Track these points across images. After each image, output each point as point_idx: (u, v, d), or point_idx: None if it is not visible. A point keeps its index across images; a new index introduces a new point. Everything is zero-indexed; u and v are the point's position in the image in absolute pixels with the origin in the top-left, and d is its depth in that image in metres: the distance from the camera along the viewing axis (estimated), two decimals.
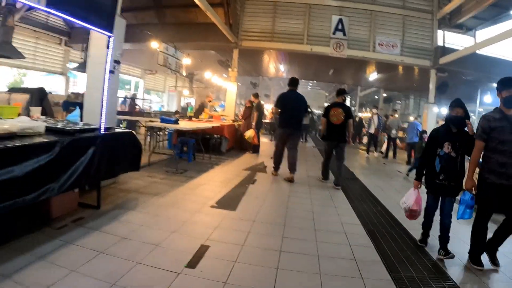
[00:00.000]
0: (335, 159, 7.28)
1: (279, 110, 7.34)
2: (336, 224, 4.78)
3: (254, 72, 21.77)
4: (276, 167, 7.76)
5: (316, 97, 42.05)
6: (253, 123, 10.68)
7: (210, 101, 12.69)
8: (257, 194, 6.06)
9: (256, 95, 11.15)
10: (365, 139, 18.90)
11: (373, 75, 17.95)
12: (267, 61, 17.37)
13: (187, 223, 4.23)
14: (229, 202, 5.34)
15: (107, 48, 4.93)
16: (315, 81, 52.91)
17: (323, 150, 7.86)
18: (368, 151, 15.18)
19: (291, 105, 7.28)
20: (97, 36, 5.20)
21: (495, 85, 3.78)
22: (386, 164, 12.43)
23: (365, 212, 5.52)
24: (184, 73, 12.25)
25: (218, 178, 7.06)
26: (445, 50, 14.10)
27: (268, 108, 27.97)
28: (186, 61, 13.33)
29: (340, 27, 14.09)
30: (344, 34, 14.09)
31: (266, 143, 15.39)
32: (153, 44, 10.87)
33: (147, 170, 7.00)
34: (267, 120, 23.31)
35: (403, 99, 31.47)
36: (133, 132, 5.13)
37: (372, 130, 14.97)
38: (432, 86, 14.67)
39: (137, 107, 16.19)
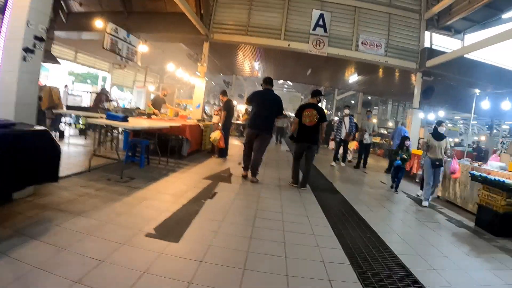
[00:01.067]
0: (305, 160, 7.02)
1: (249, 104, 7.23)
2: (317, 266, 3.43)
3: (227, 70, 20.37)
4: (244, 167, 7.32)
5: (292, 100, 41.10)
6: (220, 124, 9.32)
7: (165, 95, 11.14)
8: (214, 213, 4.66)
9: (224, 93, 9.78)
10: (332, 145, 17.00)
11: (353, 77, 16.88)
12: (241, 57, 16.00)
13: (101, 267, 2.79)
14: (173, 227, 3.93)
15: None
16: (290, 83, 52.14)
17: (294, 151, 7.36)
18: (335, 159, 12.25)
19: (264, 104, 6.92)
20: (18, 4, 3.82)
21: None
22: (367, 174, 11.27)
23: (353, 243, 4.20)
24: (139, 63, 10.53)
25: (170, 190, 5.63)
26: (432, 53, 13.22)
27: (242, 109, 26.89)
28: (143, 48, 11.69)
29: (321, 23, 12.98)
30: (325, 31, 12.99)
31: (237, 147, 14.03)
32: (98, 23, 9.20)
33: (85, 177, 5.58)
34: (240, 122, 22.12)
35: (380, 104, 30.74)
36: (48, 130, 3.76)
37: (342, 135, 11.98)
38: (417, 90, 13.80)
39: (112, 102, 14.37)
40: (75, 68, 22.39)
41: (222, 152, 9.71)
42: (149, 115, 9.66)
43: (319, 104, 7.25)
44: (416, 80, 13.82)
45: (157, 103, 10.79)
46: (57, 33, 12.66)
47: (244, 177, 7.18)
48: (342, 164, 12.28)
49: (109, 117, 6.67)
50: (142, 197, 4.97)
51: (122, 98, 25.38)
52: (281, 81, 32.55)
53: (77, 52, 19.89)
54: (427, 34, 13.71)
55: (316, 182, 8.14)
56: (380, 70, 14.74)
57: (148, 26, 12.62)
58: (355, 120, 12.82)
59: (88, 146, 9.11)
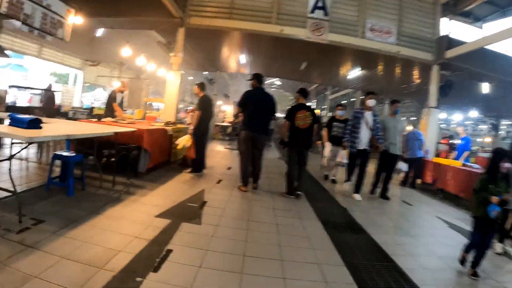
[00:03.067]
0: (297, 165, 6.41)
1: (242, 109, 6.47)
2: None
3: (209, 65, 17.89)
4: (244, 180, 6.49)
5: (281, 100, 38.70)
6: (191, 127, 6.93)
7: (122, 91, 8.67)
8: None
9: (202, 86, 7.32)
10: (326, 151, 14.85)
11: (355, 71, 14.60)
12: (224, 48, 13.52)
13: None
14: None
15: None
16: (279, 83, 49.86)
17: (287, 157, 6.60)
18: (358, 188, 7.11)
19: (258, 104, 6.42)
20: None
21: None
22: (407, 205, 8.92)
23: None
24: (66, 39, 7.70)
25: (86, 251, 3.14)
26: (451, 42, 11.11)
27: (227, 109, 24.46)
28: (74, 20, 8.30)
29: (320, 4, 10.65)
30: (326, 14, 10.67)
31: (220, 154, 11.64)
32: None
33: None
34: (225, 123, 19.74)
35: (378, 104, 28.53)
36: None
37: (361, 142, 8.82)
38: (434, 86, 11.56)
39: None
40: (57, 67, 19.95)
41: (197, 165, 7.27)
42: (99, 118, 7.23)
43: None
44: (433, 74, 11.63)
45: (108, 102, 8.37)
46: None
47: (245, 191, 6.38)
48: (357, 197, 7.00)
49: (12, 121, 4.23)
50: (28, 271, 2.57)
51: (97, 98, 22.85)
52: (269, 80, 30.18)
53: (42, 46, 17.18)
54: (443, 21, 11.78)
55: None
56: (389, 62, 12.44)
57: (111, 10, 10.23)
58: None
59: None
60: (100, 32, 12.62)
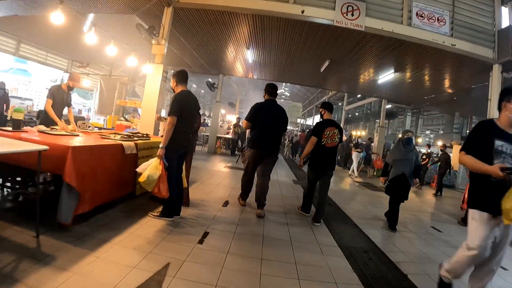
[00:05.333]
0: (319, 189, 5.83)
1: (251, 124, 5.69)
2: None
3: (209, 66, 15.23)
4: (244, 195, 6.08)
5: (291, 111, 35.93)
6: (161, 144, 4.19)
7: (71, 87, 6.02)
8: None
9: (180, 76, 4.50)
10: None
11: (387, 74, 11.79)
12: (225, 39, 10.77)
13: None
14: None
15: None
16: (288, 93, 47.12)
17: (308, 177, 5.97)
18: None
19: (269, 119, 5.65)
20: None
21: None
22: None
23: None
24: None
25: None
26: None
27: (231, 119, 21.82)
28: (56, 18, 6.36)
29: None
30: None
31: (218, 177, 8.90)
32: None
33: None
34: (229, 135, 17.09)
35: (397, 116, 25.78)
36: None
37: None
38: (495, 91, 8.87)
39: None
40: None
41: (169, 205, 4.48)
42: (16, 125, 4.59)
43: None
44: (493, 76, 8.95)
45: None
46: None
47: (243, 205, 5.98)
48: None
49: None
50: None
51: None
52: (278, 90, 27.56)
53: (19, 43, 14.63)
54: (504, 10, 9.19)
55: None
56: (438, 61, 9.63)
57: None
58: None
59: None
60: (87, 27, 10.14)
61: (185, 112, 4.31)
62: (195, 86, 22.12)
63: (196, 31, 9.96)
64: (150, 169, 4.13)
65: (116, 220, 4.21)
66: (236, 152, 15.80)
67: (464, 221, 7.25)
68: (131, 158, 4.84)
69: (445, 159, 11.87)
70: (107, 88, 12.52)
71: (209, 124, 18.58)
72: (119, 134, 5.11)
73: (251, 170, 5.80)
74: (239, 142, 16.61)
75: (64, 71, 17.52)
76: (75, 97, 19.68)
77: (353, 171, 14.13)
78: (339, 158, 19.66)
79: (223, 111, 22.86)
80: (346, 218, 6.30)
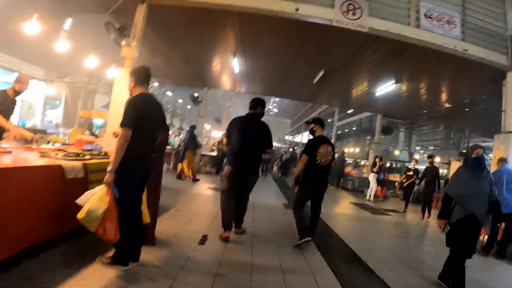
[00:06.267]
0: (314, 207, 5.53)
1: (227, 140, 5.28)
2: None
3: (193, 77, 14.08)
4: (226, 225, 5.01)
5: (279, 127, 34.96)
6: (110, 166, 2.98)
7: (17, 92, 4.81)
8: None
9: (139, 74, 3.30)
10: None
11: (387, 85, 10.74)
12: (208, 43, 9.58)
13: None
14: None
15: None
16: (276, 110, 46.25)
17: (297, 197, 5.45)
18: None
19: (245, 134, 5.08)
20: None
21: None
22: None
23: None
24: None
25: None
26: None
27: (217, 135, 20.63)
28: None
29: None
30: None
31: (198, 202, 7.71)
32: None
33: None
34: (213, 153, 15.93)
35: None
36: None
37: None
38: (510, 101, 8.00)
39: None
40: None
41: (123, 249, 3.23)
42: None
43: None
44: (508, 85, 8.03)
45: None
46: None
47: (226, 239, 4.86)
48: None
49: None
50: None
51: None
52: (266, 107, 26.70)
53: None
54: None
55: None
56: (446, 67, 8.68)
57: None
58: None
59: None
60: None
61: (143, 122, 3.11)
62: (180, 100, 20.92)
63: (176, 34, 8.84)
64: (93, 201, 2.91)
65: (49, 269, 2.96)
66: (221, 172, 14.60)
67: (486, 250, 6.18)
68: (78, 183, 3.60)
69: (432, 174, 10.12)
70: (73, 97, 11.16)
71: None
72: (64, 151, 3.85)
73: (226, 190, 5.15)
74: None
75: (41, 80, 16.13)
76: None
77: (371, 196, 12.76)
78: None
79: (208, 127, 21.70)
80: (359, 261, 5.09)
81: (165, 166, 12.88)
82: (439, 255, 4.56)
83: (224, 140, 5.44)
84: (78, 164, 3.63)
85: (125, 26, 6.98)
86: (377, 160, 12.87)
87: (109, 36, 6.81)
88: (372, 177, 12.78)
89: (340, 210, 10.26)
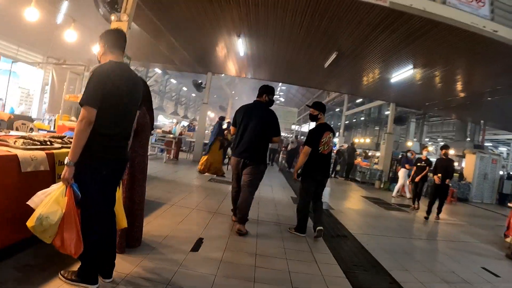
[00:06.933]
0: (316, 199, 5.41)
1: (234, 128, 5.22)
2: None
3: (198, 62, 13.39)
4: (235, 210, 5.19)
5: (286, 116, 34.02)
6: (67, 158, 2.32)
7: None
8: None
9: (113, 39, 2.67)
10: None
11: (405, 70, 9.87)
12: (210, 22, 8.81)
13: None
14: None
15: None
16: (283, 99, 45.34)
17: (303, 190, 5.36)
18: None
19: (248, 121, 4.99)
20: None
21: None
22: None
23: None
24: None
25: None
26: None
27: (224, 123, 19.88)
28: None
29: None
30: None
31: (197, 194, 7.07)
32: None
33: None
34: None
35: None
36: None
37: None
38: None
39: None
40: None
41: (90, 263, 2.57)
42: None
43: None
44: None
45: None
46: None
47: (240, 232, 4.74)
48: None
49: None
50: None
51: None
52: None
53: None
54: None
55: None
56: (473, 50, 7.83)
57: None
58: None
59: None
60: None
61: (112, 99, 2.42)
62: (185, 88, 20.10)
63: (176, 14, 8.12)
64: (46, 204, 2.26)
65: None
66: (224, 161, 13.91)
67: None
68: (40, 179, 2.94)
69: (444, 166, 8.67)
70: (60, 80, 10.39)
71: (196, 129, 16.63)
72: (26, 139, 3.17)
73: (234, 178, 5.22)
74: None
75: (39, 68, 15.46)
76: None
77: (404, 192, 12.06)
78: (338, 168, 17.81)
79: (212, 114, 20.96)
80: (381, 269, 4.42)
81: (164, 155, 12.26)
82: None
83: (232, 129, 5.30)
84: (40, 154, 2.97)
85: (117, 0, 6.28)
86: (409, 154, 11.80)
87: (98, 11, 6.10)
88: (402, 173, 11.79)
89: (350, 205, 9.60)
